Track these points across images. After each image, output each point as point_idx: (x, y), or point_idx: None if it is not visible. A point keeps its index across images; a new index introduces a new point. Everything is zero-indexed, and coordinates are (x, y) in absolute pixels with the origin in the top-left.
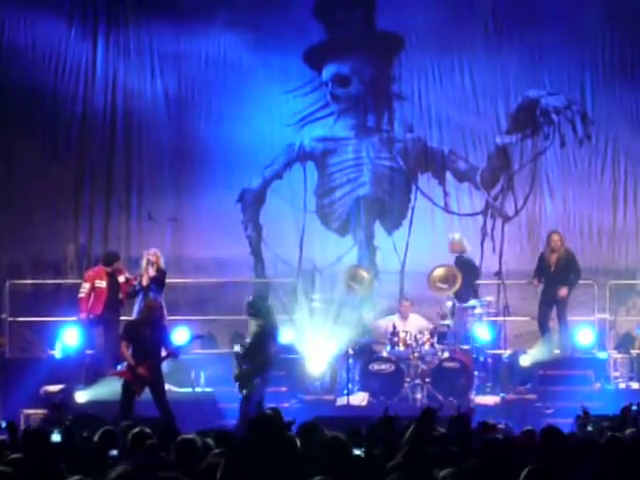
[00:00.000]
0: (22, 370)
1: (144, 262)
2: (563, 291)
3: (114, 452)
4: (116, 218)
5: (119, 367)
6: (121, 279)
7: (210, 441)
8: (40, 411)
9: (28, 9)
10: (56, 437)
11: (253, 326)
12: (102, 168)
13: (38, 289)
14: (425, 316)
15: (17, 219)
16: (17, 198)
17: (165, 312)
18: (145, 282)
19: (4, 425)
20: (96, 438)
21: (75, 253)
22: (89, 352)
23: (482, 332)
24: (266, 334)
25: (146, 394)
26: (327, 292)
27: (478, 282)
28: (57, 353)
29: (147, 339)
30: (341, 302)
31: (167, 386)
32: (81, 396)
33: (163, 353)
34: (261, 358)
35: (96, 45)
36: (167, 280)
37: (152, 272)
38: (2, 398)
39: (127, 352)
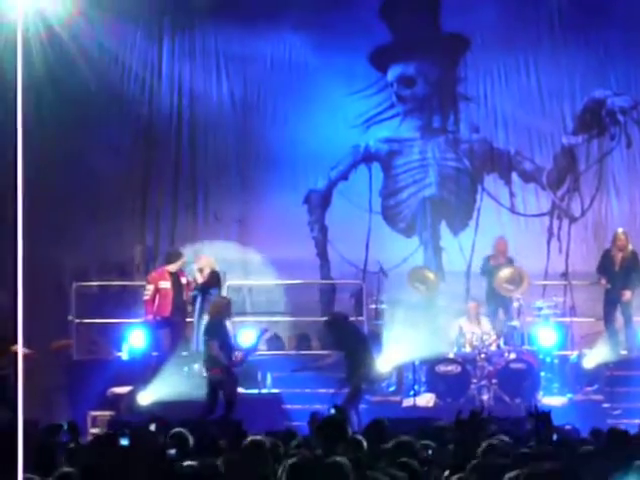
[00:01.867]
0: (89, 372)
1: (195, 270)
2: (627, 295)
3: (172, 452)
4: (182, 219)
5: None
6: (184, 280)
7: (277, 442)
8: (107, 413)
9: (93, 11)
10: (124, 441)
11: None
12: (168, 170)
13: (104, 291)
14: (491, 317)
15: (83, 221)
16: (83, 200)
17: None
18: (199, 284)
19: (65, 426)
20: (167, 440)
21: (142, 254)
22: (155, 354)
23: (548, 333)
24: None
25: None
26: (393, 293)
27: (544, 283)
28: (124, 355)
29: (230, 335)
30: (409, 304)
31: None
32: (145, 398)
33: None
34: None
35: (162, 47)
36: (232, 282)
37: (200, 279)
38: (69, 400)
39: (220, 352)
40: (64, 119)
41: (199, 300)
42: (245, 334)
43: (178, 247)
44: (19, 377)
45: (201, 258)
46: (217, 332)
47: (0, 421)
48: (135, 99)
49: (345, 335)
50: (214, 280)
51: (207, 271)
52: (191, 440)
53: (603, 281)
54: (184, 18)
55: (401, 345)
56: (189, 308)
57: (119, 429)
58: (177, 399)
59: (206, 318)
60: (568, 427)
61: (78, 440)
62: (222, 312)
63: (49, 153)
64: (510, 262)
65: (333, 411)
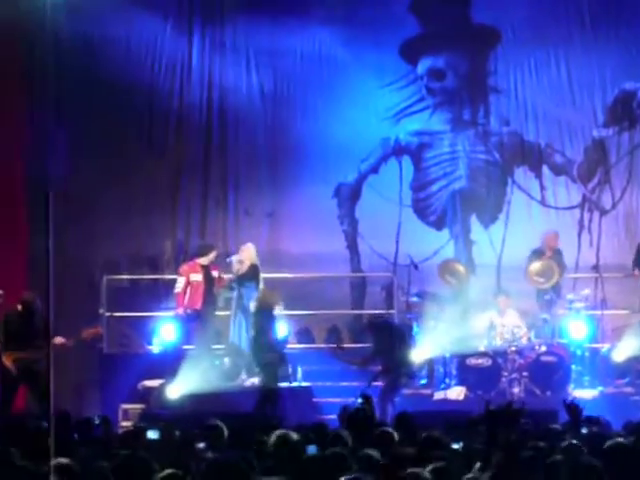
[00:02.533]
0: (120, 365)
1: (234, 261)
2: None
3: (201, 445)
4: (213, 214)
5: None
6: (214, 274)
7: (309, 436)
8: (138, 406)
9: (123, 4)
10: (153, 434)
11: None
12: (198, 164)
13: (135, 284)
14: (522, 310)
15: (114, 215)
16: (114, 194)
17: None
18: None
19: (98, 421)
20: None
21: (172, 249)
22: (187, 347)
23: (579, 326)
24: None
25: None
26: (423, 286)
27: (575, 276)
28: (155, 348)
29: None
30: (439, 297)
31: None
32: (176, 391)
33: None
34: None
35: (192, 41)
36: (264, 275)
37: (240, 271)
38: (101, 393)
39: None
40: (94, 114)
41: (236, 292)
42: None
43: (207, 240)
44: (51, 370)
45: (244, 250)
46: (269, 323)
47: (33, 414)
48: (165, 93)
49: (384, 334)
50: (252, 273)
51: (247, 264)
52: (225, 433)
53: (636, 272)
54: (214, 12)
55: (432, 338)
56: (220, 301)
57: (149, 422)
58: (208, 392)
59: (254, 309)
60: (600, 419)
61: (110, 434)
62: (272, 304)
63: (80, 148)
64: (558, 255)
65: (360, 400)
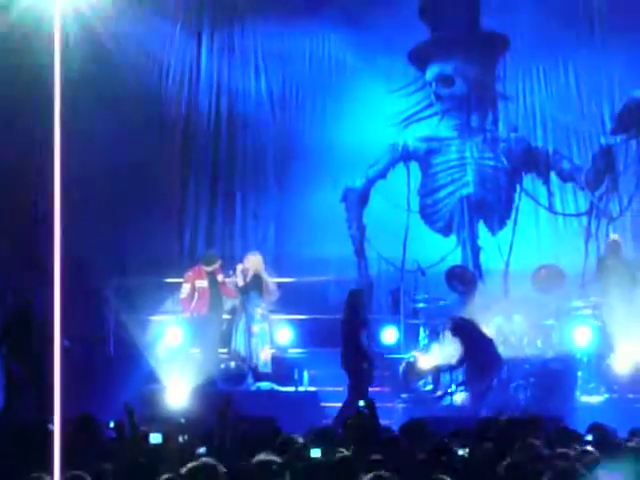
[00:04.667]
0: (126, 368)
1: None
2: None
3: (202, 450)
4: (220, 217)
5: None
6: (219, 278)
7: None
8: (143, 410)
9: (132, 9)
10: (156, 439)
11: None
12: (206, 168)
13: (142, 288)
14: (529, 316)
15: (122, 219)
16: (122, 198)
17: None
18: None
19: (112, 425)
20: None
21: (179, 252)
22: (192, 351)
23: (586, 332)
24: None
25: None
26: (431, 292)
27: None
28: (160, 352)
29: None
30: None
31: (271, 385)
32: (180, 394)
33: None
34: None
35: (200, 45)
36: (272, 280)
37: (241, 282)
38: (107, 396)
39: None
40: (102, 116)
41: (243, 303)
42: (282, 331)
43: (213, 250)
44: (56, 372)
45: (250, 259)
46: (360, 322)
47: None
48: (173, 96)
49: (470, 337)
50: (254, 284)
51: (250, 274)
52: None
53: None
54: (223, 15)
55: (439, 344)
56: (226, 305)
57: (152, 426)
58: (213, 395)
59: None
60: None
61: (123, 438)
62: (361, 302)
63: (87, 152)
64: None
65: (362, 403)
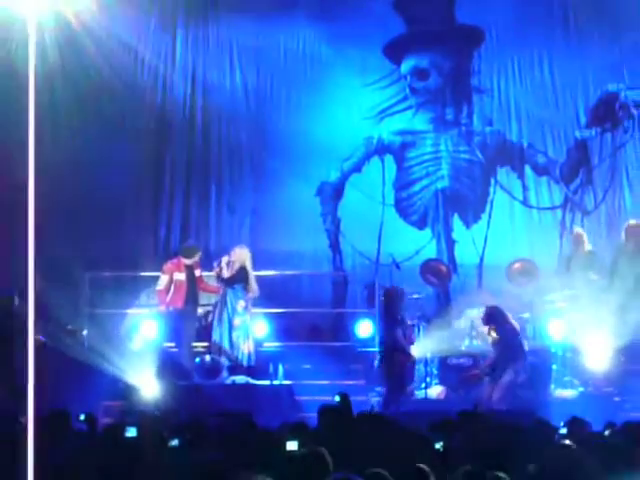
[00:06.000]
0: (102, 362)
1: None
2: None
3: (174, 442)
4: (195, 210)
5: None
6: (197, 273)
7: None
8: (118, 403)
9: (107, 1)
10: (131, 432)
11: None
12: (181, 161)
13: (117, 281)
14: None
15: (96, 211)
16: (96, 190)
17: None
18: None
19: (82, 417)
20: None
21: (154, 246)
22: (168, 345)
23: (560, 326)
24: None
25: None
26: (405, 286)
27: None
28: (136, 345)
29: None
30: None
31: (246, 379)
32: (156, 388)
33: None
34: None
35: (175, 38)
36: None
37: (226, 273)
38: (82, 390)
39: (402, 338)
40: (77, 110)
41: (227, 294)
42: (258, 325)
43: (194, 241)
44: (30, 366)
45: (236, 252)
46: (395, 320)
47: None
48: (148, 89)
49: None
50: (240, 276)
51: (237, 266)
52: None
53: None
54: (198, 8)
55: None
56: (202, 299)
57: (128, 419)
58: (189, 389)
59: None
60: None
61: (94, 431)
62: (397, 300)
63: (62, 145)
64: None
65: (337, 398)
